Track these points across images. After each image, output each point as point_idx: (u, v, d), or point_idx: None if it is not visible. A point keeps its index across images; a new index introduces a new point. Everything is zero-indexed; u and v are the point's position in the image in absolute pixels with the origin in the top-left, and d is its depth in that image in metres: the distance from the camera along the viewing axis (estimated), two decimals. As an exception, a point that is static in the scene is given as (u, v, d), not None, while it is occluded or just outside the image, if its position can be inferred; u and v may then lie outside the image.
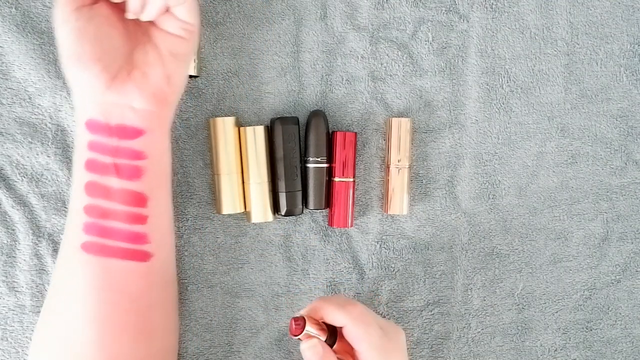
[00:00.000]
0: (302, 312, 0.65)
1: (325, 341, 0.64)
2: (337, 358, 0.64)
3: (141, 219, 0.64)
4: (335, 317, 0.64)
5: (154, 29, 0.64)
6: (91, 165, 0.62)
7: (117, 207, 0.62)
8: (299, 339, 0.63)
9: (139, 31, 0.64)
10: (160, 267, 0.66)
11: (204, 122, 0.74)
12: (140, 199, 0.63)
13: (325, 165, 0.74)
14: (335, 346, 0.65)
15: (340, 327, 0.65)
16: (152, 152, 0.64)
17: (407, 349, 0.76)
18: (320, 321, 0.65)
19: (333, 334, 0.65)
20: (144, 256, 0.64)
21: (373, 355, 0.63)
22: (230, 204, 0.73)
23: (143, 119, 0.63)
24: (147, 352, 0.65)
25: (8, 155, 0.71)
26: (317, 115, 0.73)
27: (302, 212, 0.75)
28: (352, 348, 0.65)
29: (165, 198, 0.66)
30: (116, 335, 0.63)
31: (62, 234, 0.72)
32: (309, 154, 0.73)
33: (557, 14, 0.78)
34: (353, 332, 0.63)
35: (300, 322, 0.63)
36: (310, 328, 0.63)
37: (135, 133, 0.62)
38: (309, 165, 0.74)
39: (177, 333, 0.72)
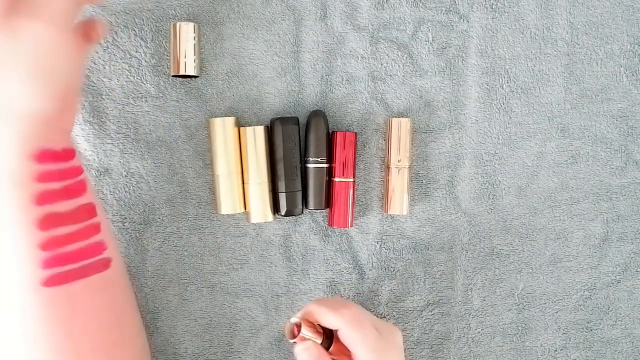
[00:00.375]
0: (298, 316, 0.65)
1: (321, 344, 0.64)
2: None
3: (96, 229, 0.62)
4: (329, 320, 0.64)
5: None
6: (42, 198, 0.57)
7: (73, 228, 0.59)
8: (294, 342, 0.63)
9: None
10: (118, 269, 0.64)
11: (204, 122, 0.74)
12: (90, 210, 0.62)
13: (325, 165, 0.74)
14: (331, 348, 0.65)
15: (336, 330, 0.65)
16: (83, 165, 0.63)
17: (407, 349, 0.76)
18: (315, 324, 0.65)
19: (329, 336, 0.66)
20: (105, 264, 0.62)
21: (368, 356, 0.63)
22: (230, 204, 0.73)
23: (71, 140, 0.62)
24: (125, 357, 0.64)
25: (8, 156, 0.71)
26: (317, 115, 0.73)
27: (302, 212, 0.75)
28: (348, 350, 0.65)
29: (98, 200, 0.65)
30: (92, 357, 0.60)
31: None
32: (309, 154, 0.73)
33: (557, 14, 0.78)
34: (347, 335, 0.63)
35: (295, 326, 0.63)
36: (305, 331, 0.63)
37: (73, 152, 0.61)
38: (309, 165, 0.74)
39: (144, 332, 0.70)
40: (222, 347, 0.76)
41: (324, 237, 0.77)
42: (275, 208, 0.74)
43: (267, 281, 0.76)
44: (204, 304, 0.75)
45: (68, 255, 0.58)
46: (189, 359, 0.75)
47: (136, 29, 0.72)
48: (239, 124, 0.74)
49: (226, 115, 0.74)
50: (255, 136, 0.72)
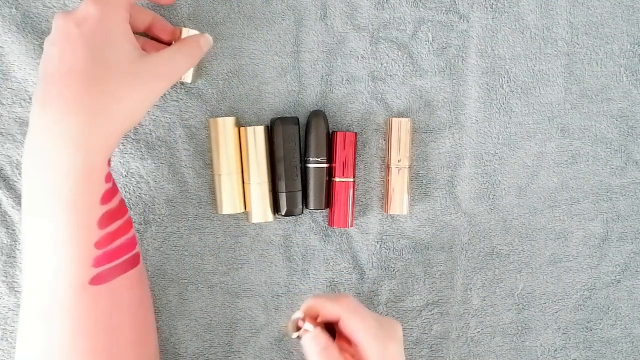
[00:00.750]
0: (299, 313, 0.64)
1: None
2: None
3: (131, 222, 0.64)
4: (330, 309, 0.63)
5: None
6: (106, 197, 0.60)
7: (120, 223, 0.62)
8: (298, 337, 0.63)
9: None
10: (143, 265, 0.67)
11: (204, 122, 0.74)
12: (124, 205, 0.64)
13: (325, 165, 0.74)
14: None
15: (337, 323, 0.64)
16: None
17: (406, 349, 0.77)
18: (317, 319, 0.64)
19: (331, 332, 0.65)
20: (137, 259, 0.64)
21: (371, 344, 0.62)
22: (230, 204, 0.73)
23: None
24: (148, 355, 0.66)
25: (8, 155, 0.71)
26: (317, 115, 0.73)
27: (302, 212, 0.75)
28: (350, 345, 0.64)
29: None
30: (124, 356, 0.62)
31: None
32: (309, 154, 0.73)
33: (557, 14, 0.78)
34: (349, 323, 0.63)
35: (299, 321, 0.63)
36: (309, 325, 0.63)
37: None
38: (309, 165, 0.74)
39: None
40: (222, 347, 0.76)
41: (324, 237, 0.77)
42: (276, 208, 0.74)
43: (267, 281, 0.76)
44: (204, 304, 0.75)
45: (114, 251, 0.61)
46: (189, 359, 0.75)
47: (136, 29, 0.73)
48: (239, 124, 0.74)
49: (226, 115, 0.74)
50: (255, 136, 0.72)
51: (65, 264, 0.58)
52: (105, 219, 0.60)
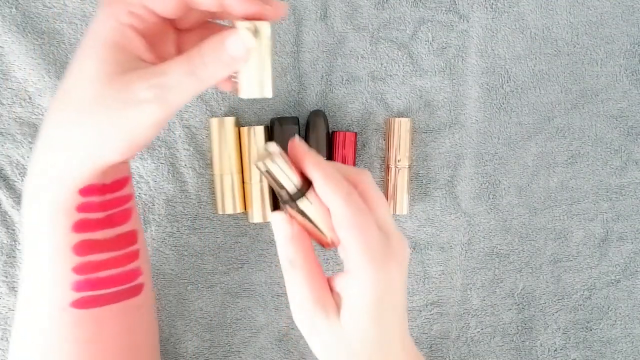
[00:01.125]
0: (276, 147, 0.52)
1: (295, 191, 0.53)
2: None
3: (134, 256, 0.60)
4: (328, 195, 0.52)
5: None
6: (81, 226, 0.55)
7: (111, 255, 0.57)
8: (263, 171, 0.52)
9: None
10: (148, 294, 0.63)
11: (204, 122, 0.74)
12: (132, 238, 0.60)
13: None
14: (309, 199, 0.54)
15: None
16: (134, 190, 0.61)
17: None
18: (298, 168, 0.54)
19: (306, 185, 0.54)
20: (137, 290, 0.60)
21: (366, 267, 0.51)
22: (230, 204, 0.73)
23: (128, 167, 0.60)
24: None
25: (8, 155, 0.71)
26: (317, 115, 0.73)
27: (302, 212, 0.75)
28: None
29: (142, 225, 0.63)
30: None
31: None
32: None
33: (557, 14, 0.78)
34: (345, 225, 0.52)
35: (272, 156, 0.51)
36: (280, 164, 0.52)
37: (125, 181, 0.59)
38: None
39: (159, 355, 0.68)
40: (222, 347, 0.76)
41: (324, 237, 0.77)
42: (275, 208, 0.74)
43: (267, 281, 0.76)
44: (204, 304, 0.75)
45: (101, 280, 0.57)
46: (189, 359, 0.75)
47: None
48: (239, 124, 0.74)
49: (226, 115, 0.74)
50: (255, 136, 0.72)
51: (45, 280, 0.56)
52: (84, 248, 0.56)
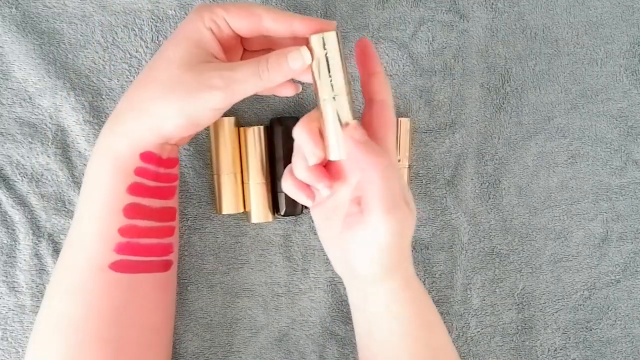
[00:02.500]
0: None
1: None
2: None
3: (171, 231, 0.66)
4: (358, 157, 0.60)
5: None
6: (135, 189, 0.62)
7: (153, 225, 0.64)
8: (315, 50, 0.59)
9: None
10: (174, 275, 0.68)
11: (204, 122, 0.74)
12: (172, 214, 0.66)
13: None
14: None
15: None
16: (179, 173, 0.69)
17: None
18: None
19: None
20: (167, 265, 0.66)
21: (387, 219, 0.59)
22: (230, 204, 0.73)
23: (178, 152, 0.68)
24: None
25: (8, 155, 0.71)
26: None
27: (302, 212, 0.75)
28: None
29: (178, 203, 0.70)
30: (130, 354, 0.63)
31: (62, 236, 0.72)
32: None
33: (557, 14, 0.78)
34: (373, 186, 0.60)
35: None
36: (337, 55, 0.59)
37: (176, 162, 0.66)
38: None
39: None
40: (222, 347, 0.76)
41: (324, 237, 0.77)
42: (275, 208, 0.74)
43: (267, 281, 0.76)
44: (204, 304, 0.75)
45: (141, 247, 0.63)
46: (189, 359, 0.75)
47: (136, 29, 0.73)
48: (239, 124, 0.74)
49: (226, 115, 0.74)
50: (255, 136, 0.72)
51: (90, 238, 0.62)
52: (133, 211, 0.62)
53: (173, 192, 0.66)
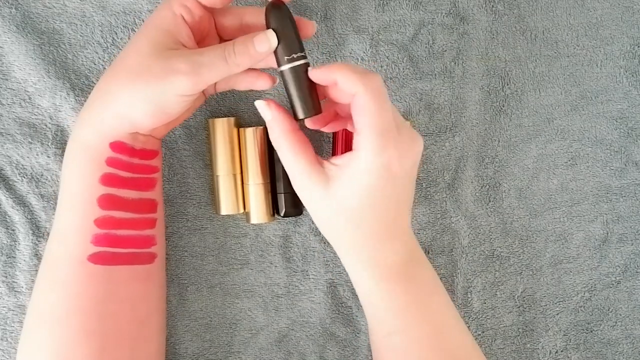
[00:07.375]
0: (318, 69, 0.61)
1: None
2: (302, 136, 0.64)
3: (151, 223, 0.66)
4: (348, 81, 0.58)
5: None
6: (108, 180, 0.62)
7: (130, 216, 0.63)
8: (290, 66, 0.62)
9: None
10: (159, 268, 0.68)
11: (204, 122, 0.74)
12: (152, 206, 0.66)
13: (301, 62, 0.63)
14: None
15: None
16: (161, 166, 0.68)
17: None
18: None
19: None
20: (150, 258, 0.65)
21: (374, 140, 0.58)
22: (229, 205, 0.73)
23: (159, 144, 0.67)
24: (145, 357, 0.66)
25: (8, 156, 0.71)
26: (276, 7, 0.62)
27: (302, 213, 0.75)
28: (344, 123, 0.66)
29: (163, 200, 0.69)
30: (117, 346, 0.63)
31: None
32: (280, 58, 0.63)
33: (556, 16, 0.78)
34: (362, 104, 0.58)
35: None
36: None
37: (153, 154, 0.66)
38: (282, 68, 0.62)
39: (165, 330, 0.72)
40: (222, 347, 0.75)
41: (323, 238, 0.76)
42: (275, 209, 0.74)
43: (267, 282, 0.76)
44: (204, 304, 0.75)
45: (119, 239, 0.63)
46: (189, 359, 0.75)
47: (136, 29, 0.73)
48: (239, 124, 0.74)
49: (226, 115, 0.74)
50: (255, 136, 0.72)
51: (68, 229, 0.62)
52: (108, 202, 0.62)
53: (152, 183, 0.66)
